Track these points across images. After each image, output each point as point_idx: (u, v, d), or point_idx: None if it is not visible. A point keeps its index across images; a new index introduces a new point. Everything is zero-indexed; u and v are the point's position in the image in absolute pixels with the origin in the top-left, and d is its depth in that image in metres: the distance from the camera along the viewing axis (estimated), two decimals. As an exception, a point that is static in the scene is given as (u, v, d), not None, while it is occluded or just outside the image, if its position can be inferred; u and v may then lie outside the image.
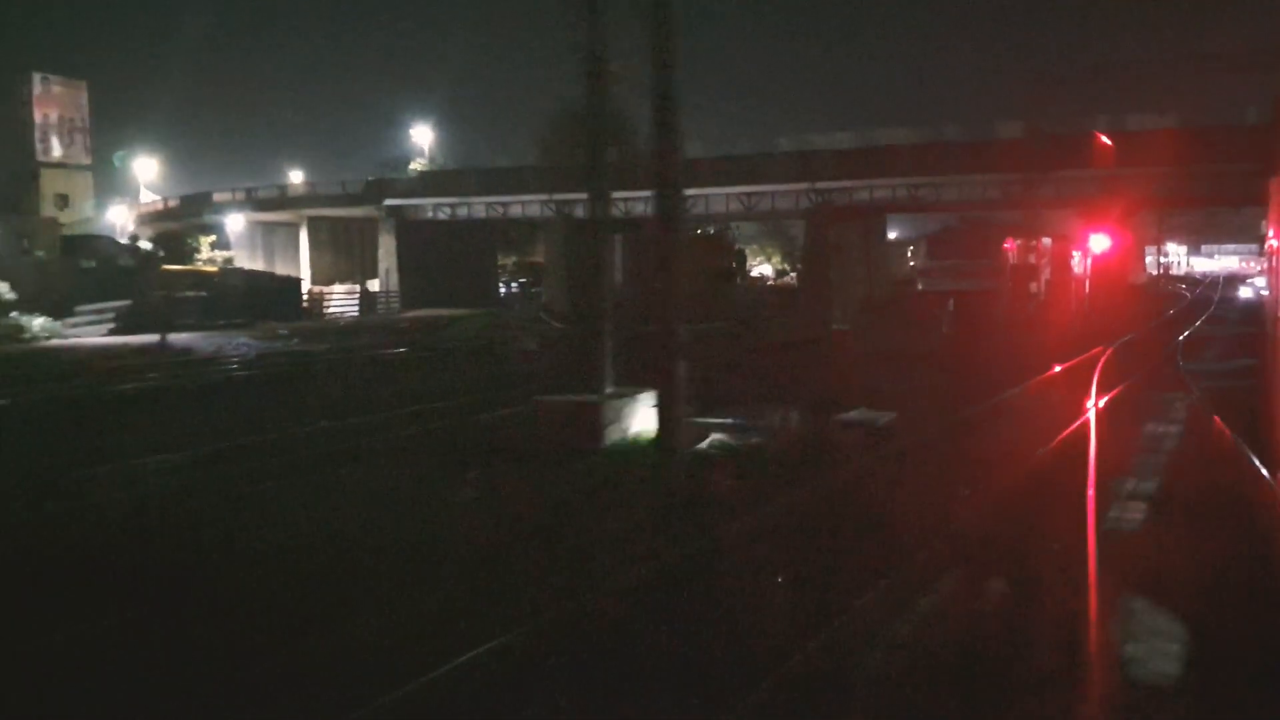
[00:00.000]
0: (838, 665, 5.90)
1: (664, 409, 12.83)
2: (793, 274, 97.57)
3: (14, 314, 32.54)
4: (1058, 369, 20.38)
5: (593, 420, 13.35)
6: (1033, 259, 34.79)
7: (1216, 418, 14.03)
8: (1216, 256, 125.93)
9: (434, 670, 5.60)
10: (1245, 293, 57.65)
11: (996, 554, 8.11)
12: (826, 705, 5.46)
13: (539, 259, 70.78)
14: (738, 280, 68.06)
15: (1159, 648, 6.11)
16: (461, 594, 7.30)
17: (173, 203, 62.21)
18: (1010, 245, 34.24)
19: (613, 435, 13.39)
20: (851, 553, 8.05)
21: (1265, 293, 21.64)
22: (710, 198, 46.02)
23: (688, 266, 54.49)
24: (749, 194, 45.95)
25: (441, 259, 55.00)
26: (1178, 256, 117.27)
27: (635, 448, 13.15)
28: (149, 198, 68.97)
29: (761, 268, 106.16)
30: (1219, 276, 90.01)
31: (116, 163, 29.12)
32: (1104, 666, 5.96)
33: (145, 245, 56.34)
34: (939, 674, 5.87)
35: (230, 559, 8.24)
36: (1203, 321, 36.89)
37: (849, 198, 42.82)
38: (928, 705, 5.50)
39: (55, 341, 30.77)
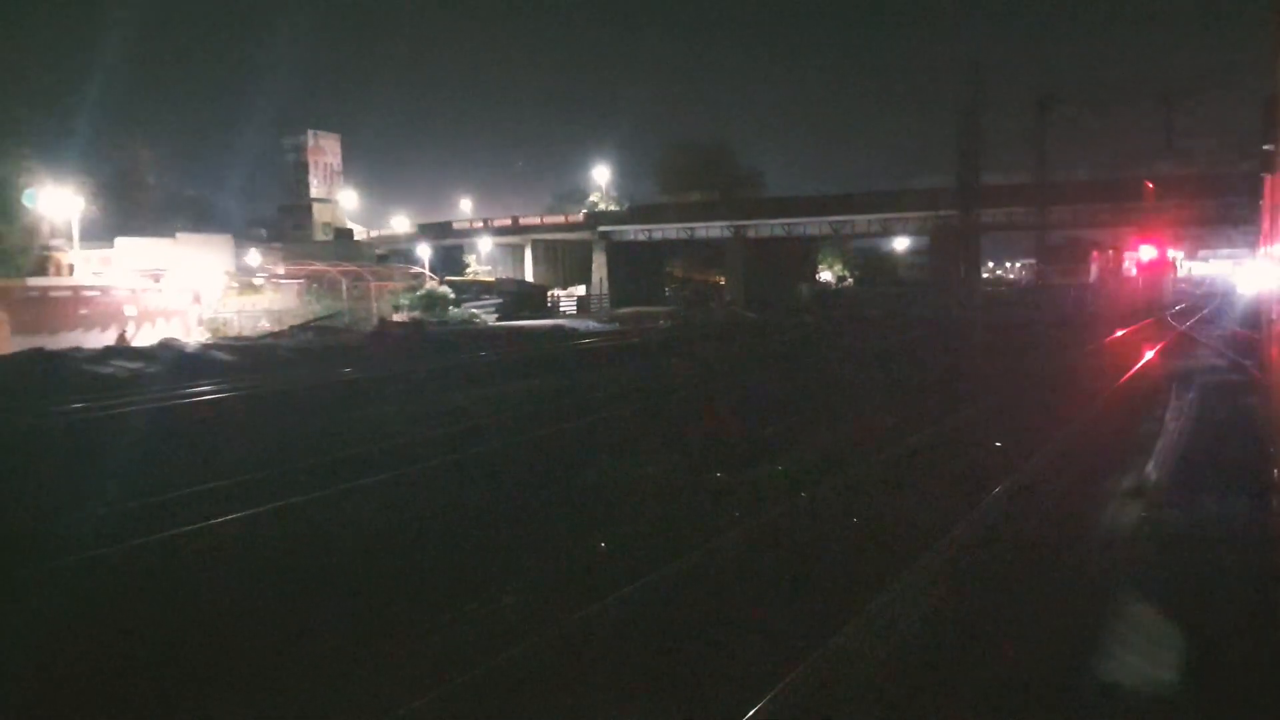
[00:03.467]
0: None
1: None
2: (850, 279, 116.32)
3: (452, 309, 49.93)
4: (1145, 322, 38.04)
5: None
6: (1108, 264, 52.56)
7: (1236, 329, 31.75)
8: (1211, 261, 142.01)
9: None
10: (1241, 288, 75.38)
11: (1168, 358, 25.73)
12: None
13: (672, 269, 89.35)
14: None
15: (1229, 349, 23.70)
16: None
17: (410, 229, 79.87)
18: (1095, 255, 52.12)
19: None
20: (1120, 363, 25.69)
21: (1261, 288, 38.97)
22: (856, 222, 63.85)
23: (790, 273, 78.06)
24: (885, 219, 63.69)
25: (633, 270, 72.82)
26: (1178, 260, 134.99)
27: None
28: (347, 225, 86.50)
29: (823, 274, 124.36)
30: (1217, 279, 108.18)
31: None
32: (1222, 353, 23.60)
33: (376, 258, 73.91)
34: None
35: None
36: (1217, 303, 54.83)
37: (960, 221, 60.50)
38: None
39: (497, 324, 48.11)
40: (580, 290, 73.19)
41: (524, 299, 63.47)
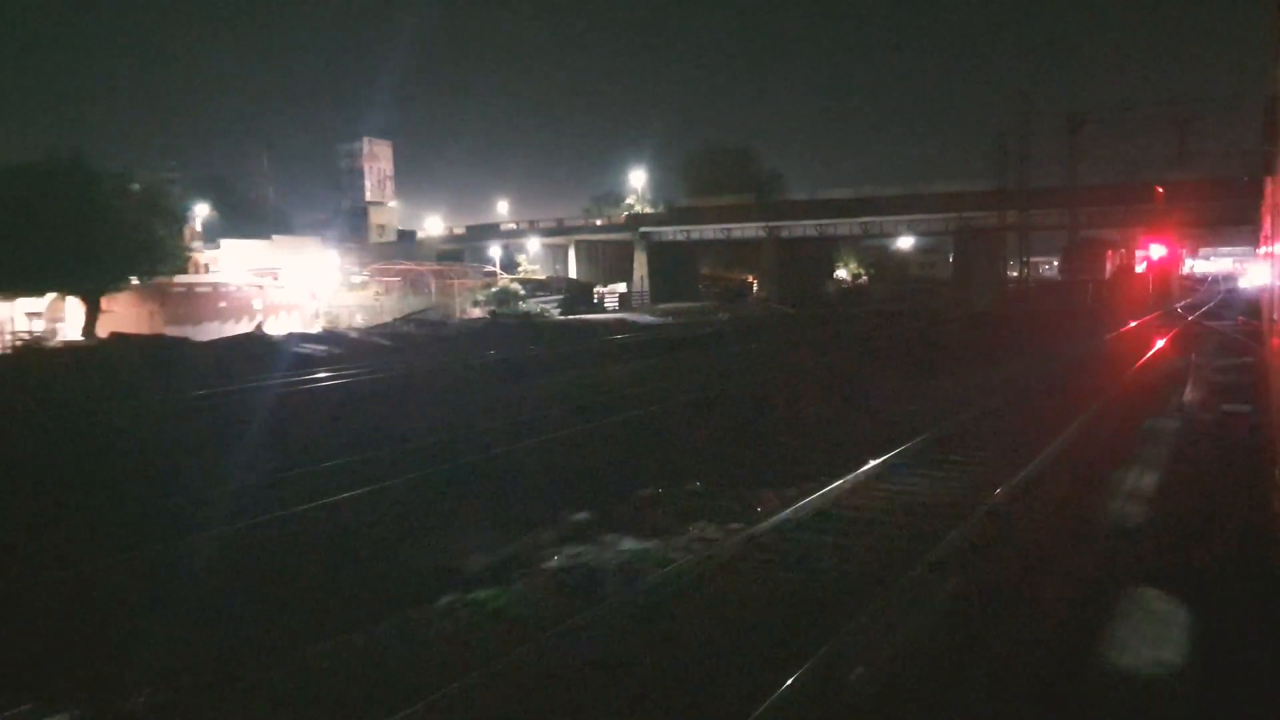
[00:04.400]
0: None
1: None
2: (864, 277, 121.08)
3: (521, 304, 54.64)
4: (1158, 313, 42.80)
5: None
6: (1122, 261, 57.33)
7: (1240, 318, 36.50)
8: (1212, 259, 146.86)
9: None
10: (1243, 283, 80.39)
11: (1182, 336, 30.51)
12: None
13: (701, 268, 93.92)
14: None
15: (1234, 331, 28.48)
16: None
17: (458, 230, 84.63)
18: (1110, 254, 56.90)
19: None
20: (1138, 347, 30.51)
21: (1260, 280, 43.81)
22: (884, 222, 68.54)
23: (813, 271, 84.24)
24: (911, 220, 68.33)
25: (669, 268, 77.60)
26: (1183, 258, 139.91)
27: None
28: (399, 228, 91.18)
29: (839, 272, 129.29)
30: (1219, 276, 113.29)
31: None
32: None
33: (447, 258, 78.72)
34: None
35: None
36: (1221, 296, 59.70)
37: (983, 222, 65.19)
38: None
39: (565, 317, 52.83)
40: (620, 287, 77.91)
41: (577, 295, 68.37)
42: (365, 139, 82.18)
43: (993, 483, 10.11)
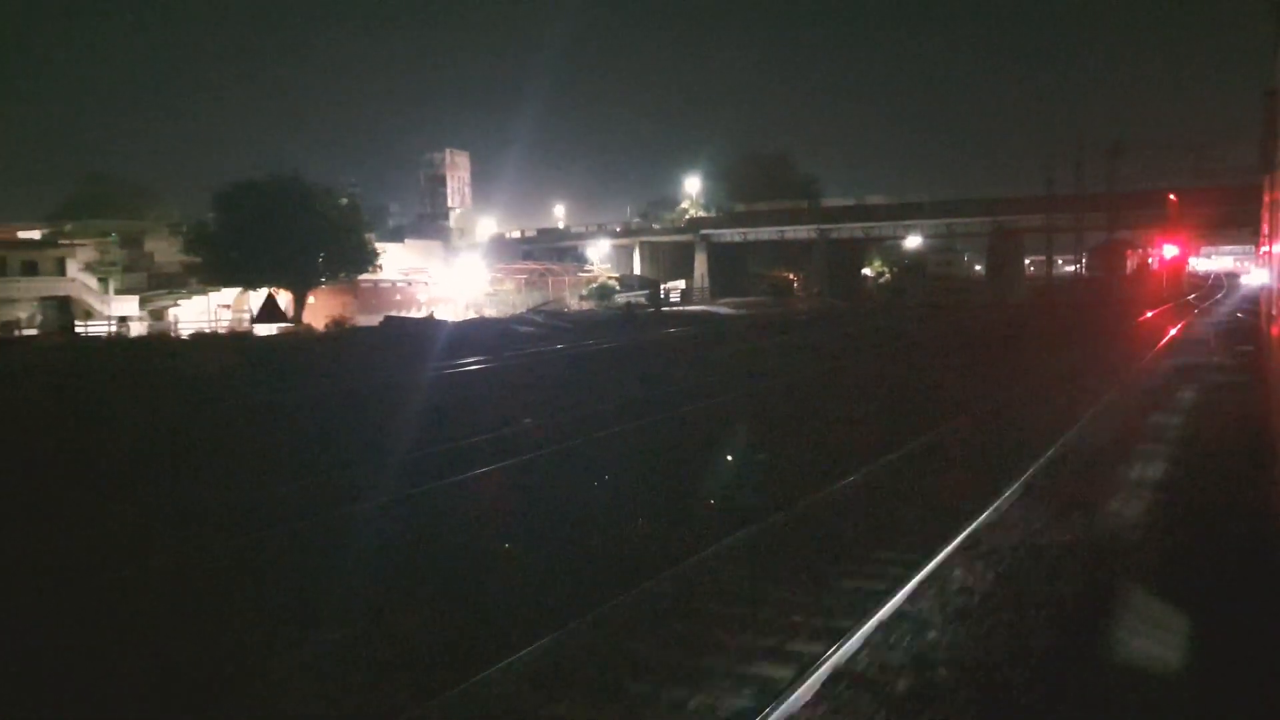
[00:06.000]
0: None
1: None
2: (888, 275, 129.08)
3: (616, 298, 62.66)
4: (1174, 303, 50.86)
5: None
6: (1139, 259, 65.62)
7: (1241, 306, 44.62)
8: (1214, 257, 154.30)
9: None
10: (1244, 279, 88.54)
11: (1199, 319, 38.65)
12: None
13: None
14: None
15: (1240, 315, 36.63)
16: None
17: (530, 233, 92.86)
18: (1129, 254, 65.17)
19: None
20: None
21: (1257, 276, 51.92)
22: (923, 225, 76.69)
23: (846, 270, 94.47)
24: (950, 224, 76.31)
25: (723, 267, 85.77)
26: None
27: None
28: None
29: (864, 270, 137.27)
30: (1221, 274, 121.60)
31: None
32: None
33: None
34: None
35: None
36: (1226, 289, 67.85)
37: (1015, 225, 73.17)
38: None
39: (661, 309, 60.84)
40: (679, 284, 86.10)
41: (641, 292, 76.62)
42: (447, 150, 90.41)
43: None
